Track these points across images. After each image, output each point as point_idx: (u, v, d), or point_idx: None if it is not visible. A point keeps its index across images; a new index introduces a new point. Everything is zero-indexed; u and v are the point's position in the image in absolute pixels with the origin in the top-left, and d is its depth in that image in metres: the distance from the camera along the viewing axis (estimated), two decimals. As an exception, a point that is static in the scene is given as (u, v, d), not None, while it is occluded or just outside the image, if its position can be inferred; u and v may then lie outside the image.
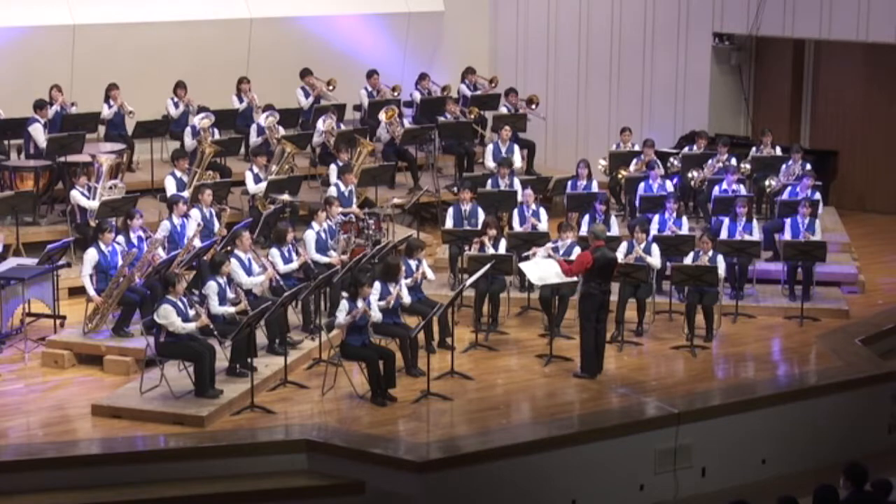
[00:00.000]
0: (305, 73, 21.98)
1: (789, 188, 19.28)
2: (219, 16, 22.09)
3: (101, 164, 17.98)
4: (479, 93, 22.88)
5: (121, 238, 16.21)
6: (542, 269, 15.91)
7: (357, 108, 22.42)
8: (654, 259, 16.91)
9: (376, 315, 14.75)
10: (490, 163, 20.32)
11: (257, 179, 18.80)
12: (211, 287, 14.94)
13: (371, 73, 22.21)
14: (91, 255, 15.79)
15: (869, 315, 17.70)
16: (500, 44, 24.60)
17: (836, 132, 22.84)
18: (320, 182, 20.53)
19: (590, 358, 15.38)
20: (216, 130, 20.02)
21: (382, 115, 21.15)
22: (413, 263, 15.95)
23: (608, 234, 17.66)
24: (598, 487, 14.11)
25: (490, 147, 20.68)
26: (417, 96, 22.54)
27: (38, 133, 19.23)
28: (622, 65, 23.60)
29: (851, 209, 22.03)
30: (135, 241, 16.25)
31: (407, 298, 15.39)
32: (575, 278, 15.76)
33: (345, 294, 14.78)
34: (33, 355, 15.73)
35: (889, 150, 22.46)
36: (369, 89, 22.16)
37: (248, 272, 15.61)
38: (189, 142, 19.61)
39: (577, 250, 16.46)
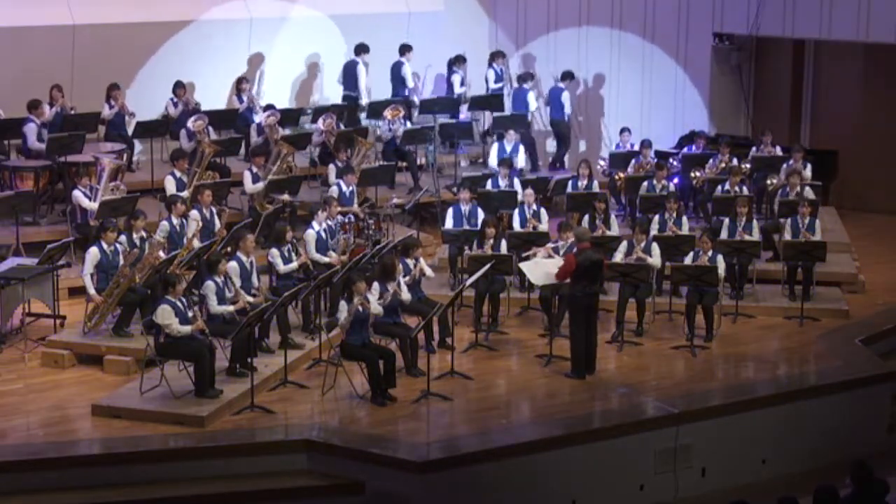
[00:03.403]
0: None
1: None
2: (218, 16, 22.08)
3: (103, 168, 17.96)
4: (484, 93, 22.89)
5: (122, 238, 16.19)
6: (542, 268, 15.92)
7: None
8: (655, 259, 16.89)
9: (376, 308, 14.74)
10: (494, 163, 20.32)
11: (256, 179, 18.79)
12: (209, 287, 14.91)
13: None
14: (93, 253, 15.77)
15: (869, 315, 17.69)
16: (500, 44, 24.57)
17: (836, 132, 22.81)
18: (320, 182, 20.52)
19: (578, 360, 15.40)
20: (211, 129, 19.99)
21: (387, 113, 21.12)
22: (410, 262, 15.95)
23: (609, 233, 17.75)
24: (598, 487, 14.10)
25: (495, 146, 20.67)
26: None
27: (31, 133, 19.19)
28: (622, 65, 23.60)
29: (851, 209, 22.01)
30: (137, 241, 16.21)
31: (406, 295, 15.39)
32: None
33: (343, 296, 14.79)
34: (33, 355, 15.71)
35: (889, 150, 22.44)
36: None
37: (248, 276, 15.54)
38: (186, 144, 19.58)
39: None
